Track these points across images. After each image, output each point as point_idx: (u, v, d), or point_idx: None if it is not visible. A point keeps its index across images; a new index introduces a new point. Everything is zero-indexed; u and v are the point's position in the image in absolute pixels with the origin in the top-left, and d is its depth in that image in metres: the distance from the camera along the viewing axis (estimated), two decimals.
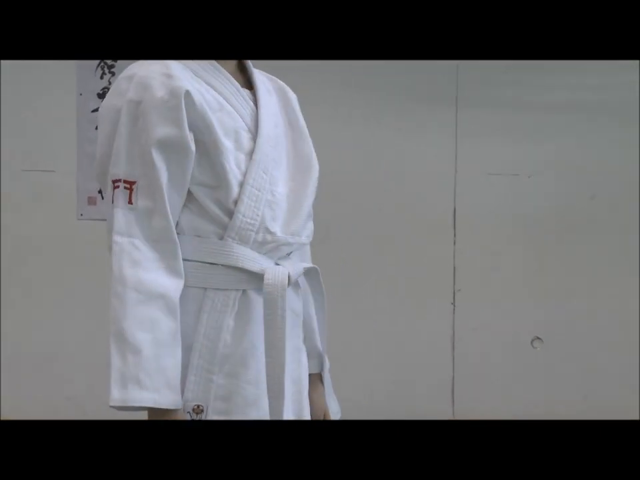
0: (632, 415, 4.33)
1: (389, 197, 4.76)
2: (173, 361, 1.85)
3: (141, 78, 1.90)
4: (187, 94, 1.88)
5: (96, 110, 4.72)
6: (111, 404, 1.81)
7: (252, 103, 2.05)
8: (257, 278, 1.95)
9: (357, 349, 4.56)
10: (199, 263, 1.94)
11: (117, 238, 1.85)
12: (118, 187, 1.87)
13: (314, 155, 2.16)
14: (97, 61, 4.70)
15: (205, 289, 1.94)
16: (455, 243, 4.84)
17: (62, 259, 4.73)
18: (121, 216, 1.86)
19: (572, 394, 4.81)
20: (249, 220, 1.95)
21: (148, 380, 1.80)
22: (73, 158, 4.73)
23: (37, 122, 4.72)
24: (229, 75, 2.02)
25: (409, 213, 4.78)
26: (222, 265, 1.94)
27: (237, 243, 1.95)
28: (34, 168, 4.72)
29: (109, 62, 4.70)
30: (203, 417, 1.90)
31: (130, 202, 1.86)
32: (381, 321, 4.64)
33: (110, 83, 4.72)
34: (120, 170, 1.88)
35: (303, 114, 2.21)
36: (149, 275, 1.84)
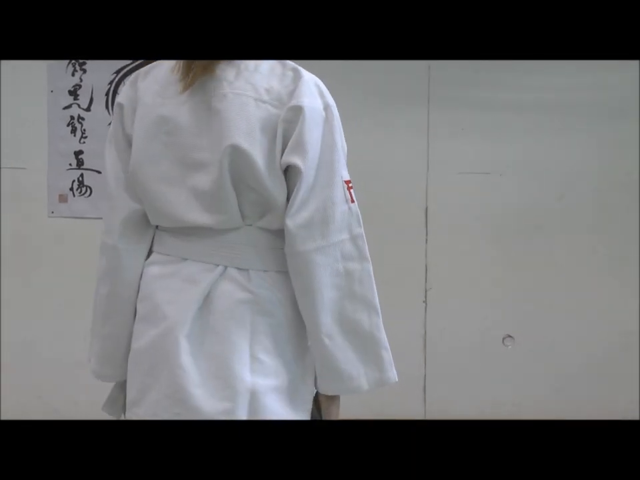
0: (615, 415, 4.36)
1: (360, 196, 4.73)
2: None
3: (321, 83, 2.05)
4: None
5: (67, 107, 4.69)
6: (394, 380, 2.04)
7: None
8: None
9: None
10: None
11: (363, 232, 2.06)
12: (352, 187, 2.05)
13: None
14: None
15: None
16: (426, 242, 4.86)
17: (32, 257, 4.70)
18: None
19: (543, 392, 4.84)
20: None
21: None
22: (44, 155, 4.71)
23: (6, 119, 4.69)
24: None
25: (381, 212, 4.79)
26: None
27: None
28: (4, 165, 4.68)
29: (80, 59, 4.67)
30: None
31: None
32: None
33: (81, 80, 4.70)
34: (347, 171, 2.05)
35: None
36: None
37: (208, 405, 1.92)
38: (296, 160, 1.92)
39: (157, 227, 2.09)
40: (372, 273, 2.02)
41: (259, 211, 1.98)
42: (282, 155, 1.93)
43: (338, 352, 1.98)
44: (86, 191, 4.72)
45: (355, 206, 2.04)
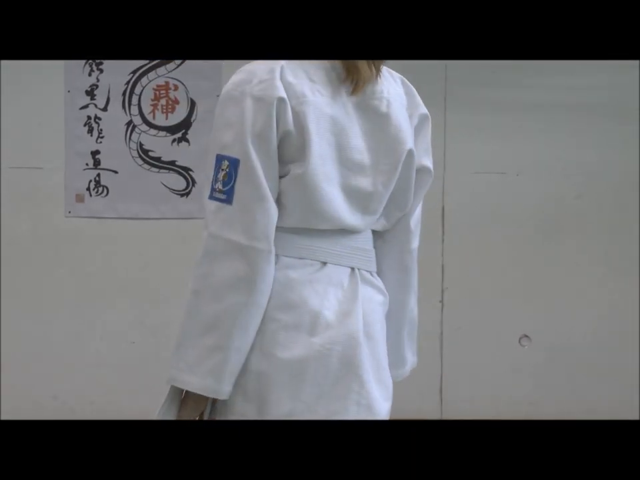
0: (624, 415, 4.34)
1: None
2: None
3: None
4: None
5: (84, 107, 4.71)
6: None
7: None
8: None
9: None
10: None
11: None
12: None
13: None
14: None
15: None
16: (443, 241, 4.85)
17: (49, 256, 4.72)
18: None
19: (560, 392, 4.82)
20: None
21: None
22: (61, 155, 4.72)
23: (23, 119, 4.70)
24: None
25: None
26: None
27: None
28: (21, 165, 4.70)
29: (97, 59, 4.68)
30: None
31: None
32: None
33: (98, 80, 4.71)
34: None
35: None
36: None
37: (382, 407, 1.99)
38: (428, 162, 2.12)
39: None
40: None
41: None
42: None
43: (407, 340, 2.24)
44: (103, 190, 4.73)
45: None
